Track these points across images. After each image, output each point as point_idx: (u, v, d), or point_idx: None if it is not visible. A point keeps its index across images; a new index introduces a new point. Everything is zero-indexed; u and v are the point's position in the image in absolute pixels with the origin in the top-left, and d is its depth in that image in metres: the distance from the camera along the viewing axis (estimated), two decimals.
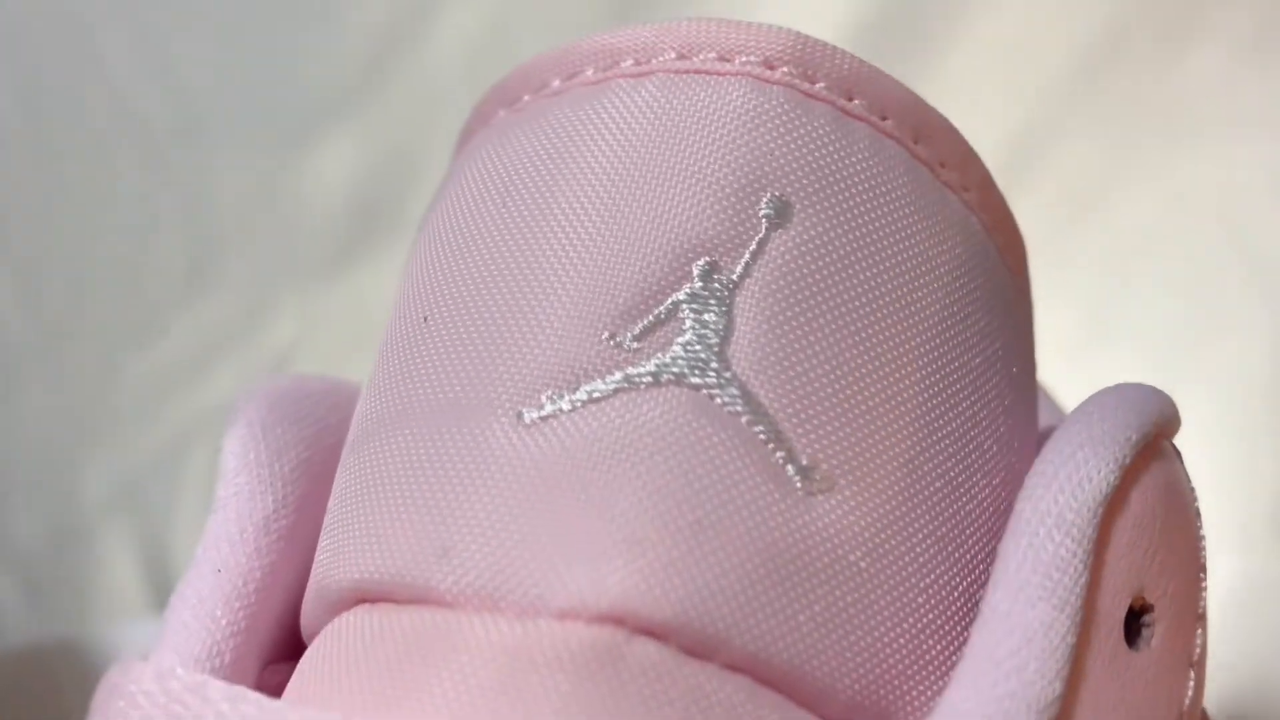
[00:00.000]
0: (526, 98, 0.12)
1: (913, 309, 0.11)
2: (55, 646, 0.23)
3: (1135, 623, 0.11)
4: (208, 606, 0.11)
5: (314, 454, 0.13)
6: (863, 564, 0.10)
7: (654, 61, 0.12)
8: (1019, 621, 0.09)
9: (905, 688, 0.10)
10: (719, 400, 0.10)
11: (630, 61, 0.12)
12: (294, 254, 0.34)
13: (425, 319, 0.12)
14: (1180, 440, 0.12)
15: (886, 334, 0.11)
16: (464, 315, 0.11)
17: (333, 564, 0.11)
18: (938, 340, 0.11)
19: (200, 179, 0.34)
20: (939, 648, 0.10)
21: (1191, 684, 0.11)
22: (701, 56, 0.11)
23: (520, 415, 0.10)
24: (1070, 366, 0.29)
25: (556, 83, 0.12)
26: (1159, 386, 0.12)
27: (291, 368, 0.34)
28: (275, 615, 0.12)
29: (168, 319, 0.33)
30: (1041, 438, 0.12)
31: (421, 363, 0.11)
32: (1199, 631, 0.11)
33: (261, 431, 0.12)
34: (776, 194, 0.11)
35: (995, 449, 0.11)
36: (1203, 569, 0.11)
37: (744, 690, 0.09)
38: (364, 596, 0.10)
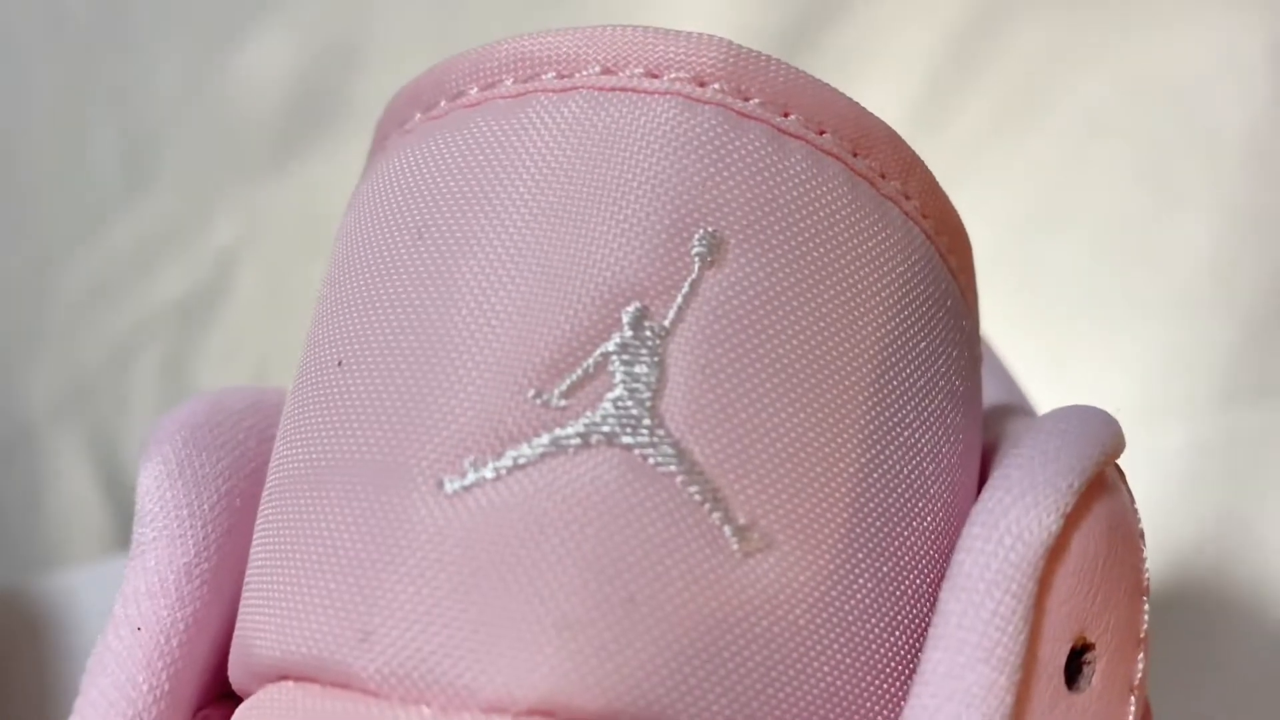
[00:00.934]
0: (443, 103, 0.12)
1: (853, 341, 0.11)
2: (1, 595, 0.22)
3: (1076, 661, 0.11)
4: (128, 672, 0.11)
5: (235, 485, 0.12)
6: (802, 621, 0.10)
7: (577, 76, 0.11)
8: (958, 685, 0.09)
9: None
10: (651, 460, 0.10)
11: (552, 74, 0.11)
12: (233, 149, 0.33)
13: (340, 363, 0.11)
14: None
15: (826, 373, 0.10)
16: (379, 364, 0.11)
17: (255, 634, 0.10)
18: (880, 371, 0.11)
19: (131, 74, 0.33)
20: (880, 706, 0.10)
21: (1133, 709, 0.11)
22: (628, 72, 0.11)
23: (441, 484, 0.10)
24: (1024, 251, 0.29)
25: (474, 91, 0.11)
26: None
27: (236, 267, 0.33)
28: (201, 665, 0.11)
29: (105, 220, 0.33)
30: (990, 418, 0.12)
31: (337, 414, 0.11)
32: (1140, 656, 0.11)
33: (179, 468, 0.12)
34: (709, 229, 0.10)
35: (938, 481, 0.11)
36: (1145, 593, 0.11)
37: None
38: (287, 674, 0.10)
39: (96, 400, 0.32)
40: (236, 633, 0.11)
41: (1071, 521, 0.10)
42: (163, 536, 0.11)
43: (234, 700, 0.11)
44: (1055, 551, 0.10)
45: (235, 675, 0.11)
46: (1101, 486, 0.11)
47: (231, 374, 0.33)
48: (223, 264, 0.33)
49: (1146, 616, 0.11)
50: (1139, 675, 0.11)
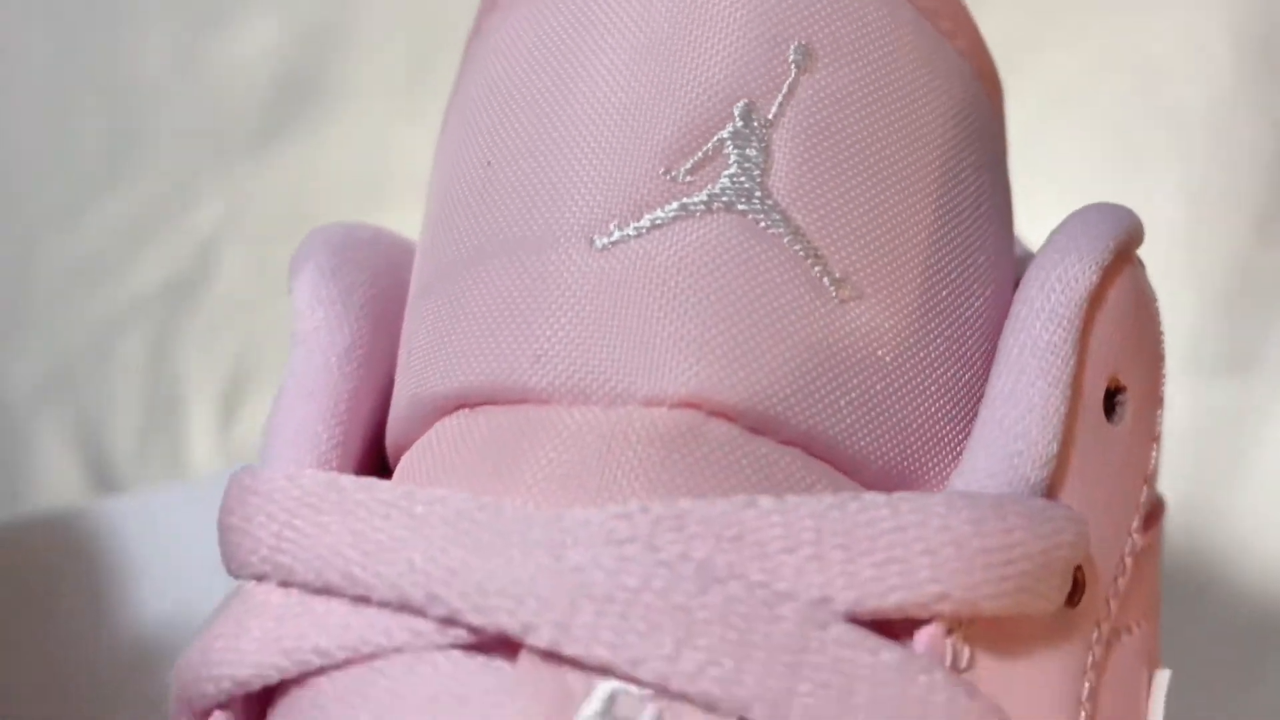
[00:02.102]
0: None
1: (921, 144, 0.13)
2: (38, 522, 0.23)
3: (1112, 401, 0.12)
4: (309, 426, 0.12)
5: (374, 293, 0.14)
6: (888, 359, 0.12)
7: None
8: (1021, 397, 0.11)
9: (926, 460, 0.12)
10: (763, 224, 0.12)
11: None
12: (217, 132, 0.33)
13: (488, 164, 0.13)
14: None
15: (900, 166, 0.12)
16: (526, 158, 0.12)
17: (430, 377, 0.12)
18: (942, 171, 0.13)
19: (115, 59, 0.33)
20: (951, 429, 0.12)
21: (1154, 457, 0.13)
22: None
23: (592, 242, 0.12)
24: None
25: None
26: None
27: (221, 250, 0.33)
28: (360, 434, 0.13)
29: (89, 203, 0.33)
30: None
31: (492, 203, 0.13)
32: (1159, 412, 0.13)
33: (330, 272, 0.14)
34: (802, 42, 0.12)
35: (989, 265, 0.13)
36: (1162, 360, 0.13)
37: (798, 460, 0.11)
38: (464, 402, 0.12)
39: (79, 384, 0.32)
40: (400, 398, 0.13)
41: (1108, 276, 0.12)
42: (323, 326, 0.13)
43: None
44: (1095, 299, 0.12)
45: (400, 431, 0.13)
46: (1130, 258, 0.13)
47: (215, 357, 0.33)
48: (206, 248, 0.33)
49: (1164, 381, 0.13)
50: (1158, 429, 0.13)
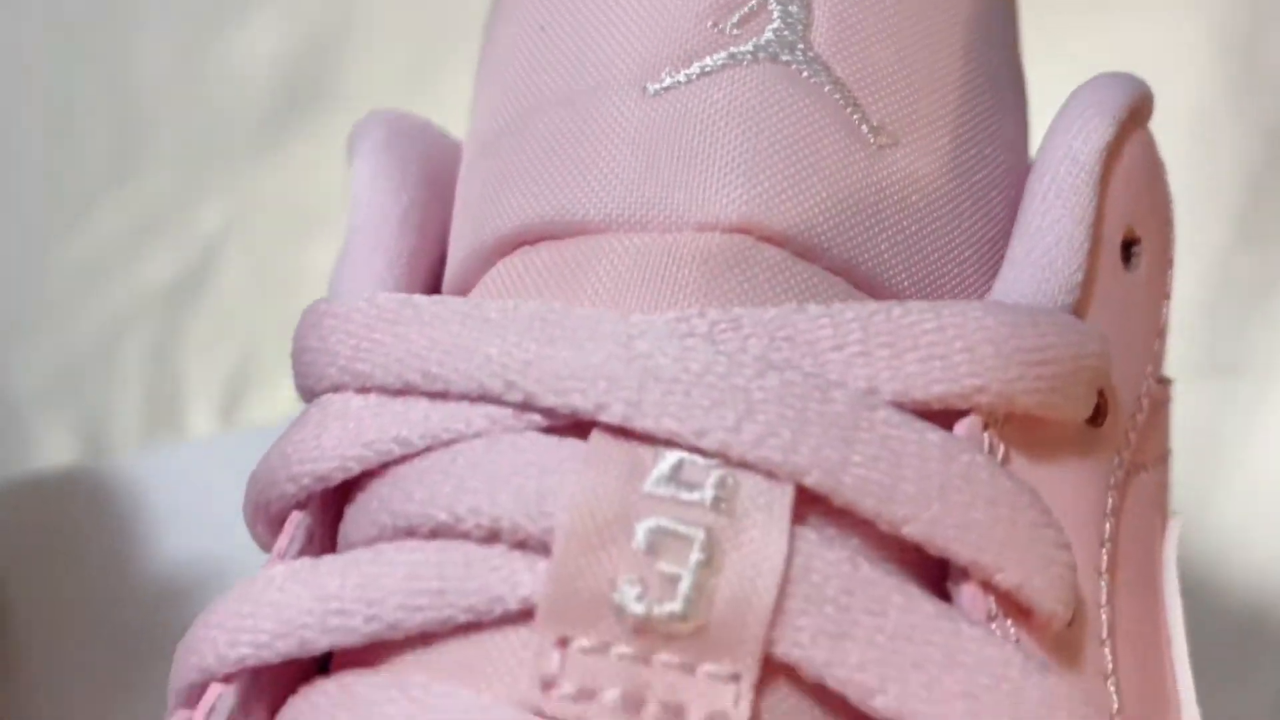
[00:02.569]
0: None
1: (950, 11, 0.13)
2: (64, 475, 0.24)
3: (1128, 251, 0.13)
4: (375, 271, 0.13)
5: (426, 167, 0.15)
6: (921, 205, 0.12)
7: None
8: (1049, 231, 0.12)
9: (957, 296, 0.13)
10: (805, 74, 0.13)
11: None
12: (221, 134, 0.34)
13: (542, 28, 0.13)
14: None
15: (932, 28, 0.13)
16: (580, 17, 0.13)
17: (489, 220, 0.13)
18: (969, 38, 0.14)
19: (122, 59, 0.33)
20: (977, 279, 0.13)
21: (1165, 311, 0.14)
22: None
23: (644, 88, 0.13)
24: None
25: None
26: None
27: (223, 249, 0.33)
28: (421, 292, 0.14)
29: (92, 206, 0.33)
30: None
31: (546, 62, 0.13)
32: (1170, 272, 0.14)
33: (387, 146, 0.15)
34: None
35: (1011, 133, 0.14)
36: (1172, 226, 0.14)
37: (841, 287, 0.12)
38: (524, 239, 0.12)
39: (83, 384, 0.32)
40: (459, 246, 0.13)
41: (1123, 132, 0.13)
42: (382, 188, 0.14)
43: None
44: (1113, 151, 0.13)
45: (460, 276, 0.13)
46: (1142, 119, 0.14)
47: (218, 357, 0.34)
48: (210, 248, 0.33)
49: (1174, 245, 0.14)
50: (1169, 288, 0.14)
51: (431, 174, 0.15)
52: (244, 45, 0.34)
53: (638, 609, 0.09)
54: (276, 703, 0.11)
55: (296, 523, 0.11)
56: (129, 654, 0.19)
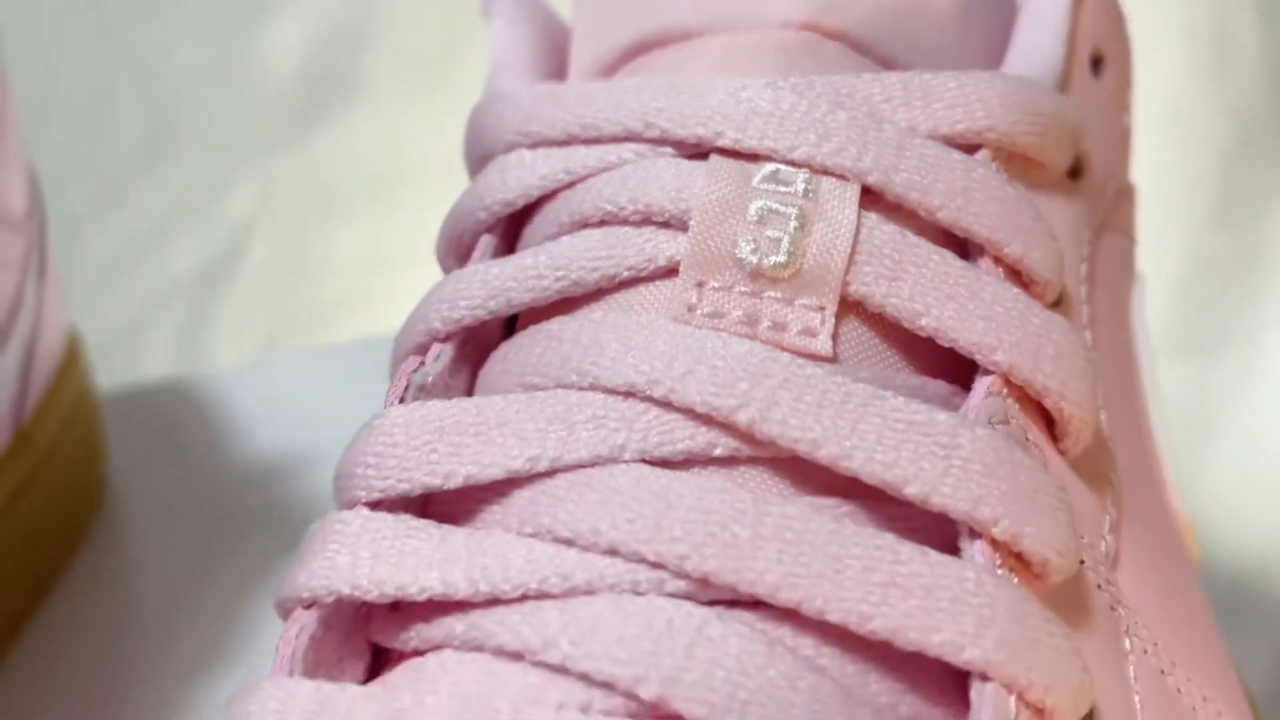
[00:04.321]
0: None
1: None
2: (169, 384, 0.26)
3: (1097, 66, 0.16)
4: (519, 81, 0.16)
5: (549, 27, 0.17)
6: (943, 20, 0.15)
7: None
8: (1039, 49, 0.15)
9: None
10: None
11: None
12: (250, 125, 0.35)
13: None
14: None
15: None
16: None
17: (608, 35, 0.15)
18: None
19: (156, 52, 0.35)
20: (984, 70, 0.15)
21: (1127, 121, 0.17)
22: None
23: None
24: None
25: None
26: None
27: (250, 238, 0.34)
28: None
29: (126, 192, 0.34)
30: None
31: None
32: (1129, 91, 0.17)
33: (517, 3, 0.17)
34: None
35: None
36: (1130, 50, 0.17)
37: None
38: (639, 48, 0.15)
39: (114, 365, 0.33)
40: (578, 69, 0.15)
41: None
42: (521, 34, 0.16)
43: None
44: None
45: (585, 60, 0.15)
46: None
47: (244, 340, 0.35)
48: (238, 234, 0.34)
49: (1132, 67, 0.17)
50: (1129, 103, 0.17)
51: (553, 32, 0.17)
52: (272, 39, 0.35)
53: (752, 260, 0.12)
54: (477, 364, 0.14)
55: (487, 242, 0.14)
56: (217, 534, 0.21)
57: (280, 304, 0.35)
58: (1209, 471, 0.29)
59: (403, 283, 0.28)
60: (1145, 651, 0.13)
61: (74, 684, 0.19)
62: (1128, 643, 0.13)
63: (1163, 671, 0.13)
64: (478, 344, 0.14)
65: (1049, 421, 0.13)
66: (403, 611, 0.12)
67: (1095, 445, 0.14)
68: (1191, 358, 0.30)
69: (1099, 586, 0.13)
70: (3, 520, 0.19)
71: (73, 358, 0.22)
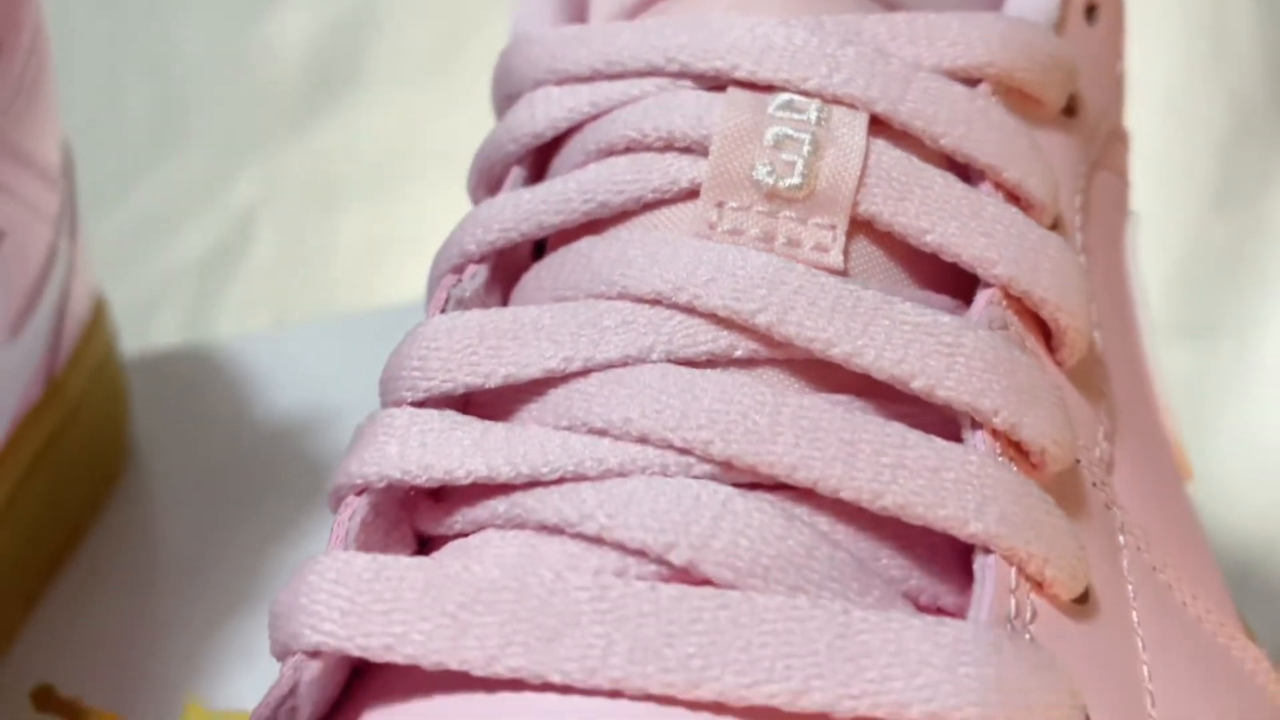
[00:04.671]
0: None
1: None
2: (188, 350, 0.27)
3: (1091, 13, 0.16)
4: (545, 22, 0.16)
5: None
6: None
7: None
8: None
9: None
10: None
11: None
12: (256, 115, 0.35)
13: None
14: None
15: None
16: None
17: None
18: None
19: (163, 41, 0.35)
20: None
21: (1120, 68, 0.17)
22: None
23: None
24: None
25: None
26: None
27: (255, 226, 0.35)
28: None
29: (135, 180, 0.34)
30: None
31: None
32: (1122, 37, 0.17)
33: None
34: None
35: None
36: (1124, 9, 0.17)
37: None
38: None
39: (122, 349, 0.34)
40: (601, 5, 0.16)
41: None
42: None
43: None
44: None
45: None
46: None
47: (250, 326, 0.35)
48: (243, 222, 0.35)
49: (1125, 16, 0.17)
50: (1122, 49, 0.17)
51: None
52: (278, 29, 0.35)
53: (769, 182, 0.13)
54: (508, 287, 0.15)
55: (517, 174, 0.15)
56: (237, 490, 0.22)
57: (285, 290, 0.35)
58: (1207, 454, 0.29)
59: (406, 269, 0.28)
60: (1138, 549, 0.14)
61: (103, 630, 0.20)
62: (1121, 539, 0.14)
63: (1154, 568, 0.14)
64: (508, 269, 0.15)
65: (1046, 334, 0.14)
66: (446, 501, 0.13)
67: (1090, 360, 0.14)
68: (1189, 342, 0.30)
69: (1094, 485, 0.14)
70: (36, 466, 0.20)
71: (99, 318, 0.23)
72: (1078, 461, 0.13)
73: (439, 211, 0.16)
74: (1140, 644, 0.13)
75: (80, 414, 0.21)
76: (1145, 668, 0.13)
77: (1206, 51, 0.32)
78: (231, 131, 0.35)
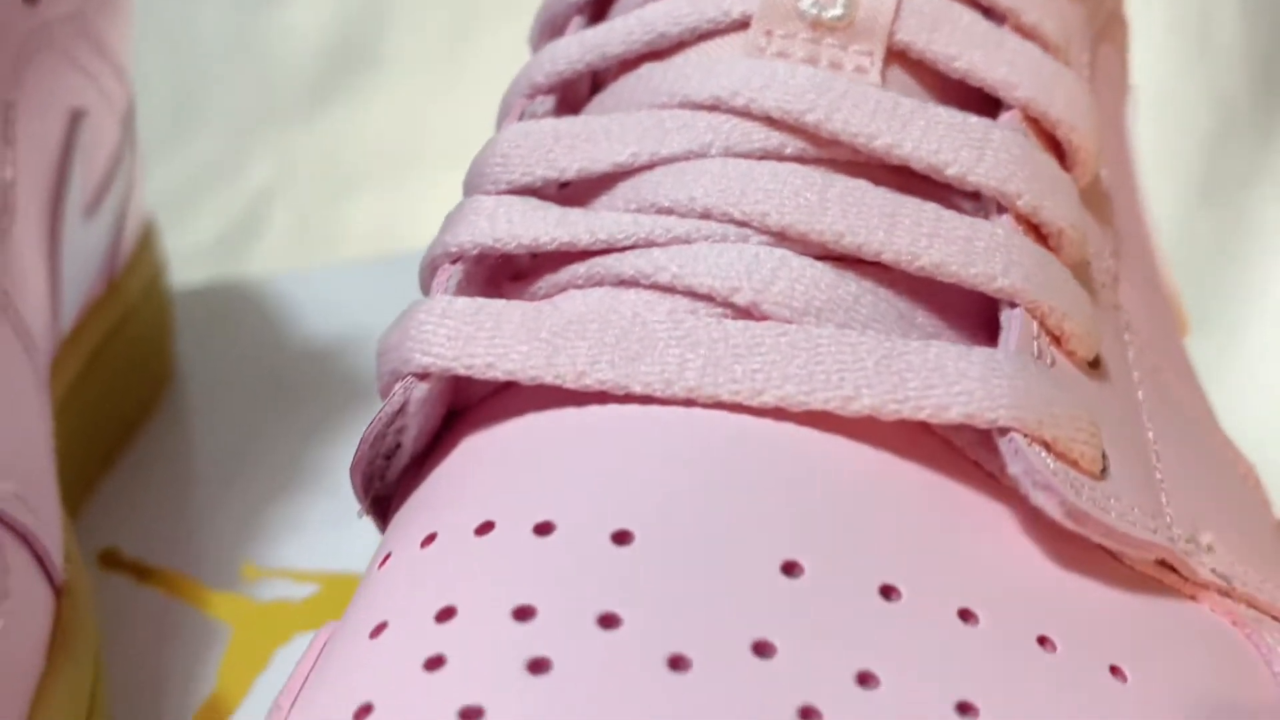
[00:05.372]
0: None
1: None
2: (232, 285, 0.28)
3: None
4: None
5: None
6: None
7: None
8: None
9: None
10: None
11: None
12: (270, 99, 0.36)
13: None
14: None
15: None
16: None
17: None
18: None
19: (179, 26, 0.36)
20: None
21: None
22: None
23: None
24: None
25: None
26: None
27: (270, 207, 0.35)
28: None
29: (151, 164, 0.35)
30: None
31: None
32: None
33: None
34: None
35: None
36: None
37: None
38: None
39: None
40: None
41: None
42: None
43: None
44: None
45: None
46: None
47: None
48: (257, 205, 0.36)
49: None
50: None
51: None
52: (292, 15, 0.36)
53: (813, 13, 0.15)
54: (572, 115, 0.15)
55: (579, 22, 0.16)
56: (272, 408, 0.24)
57: None
58: None
59: (418, 252, 0.29)
60: (1141, 349, 0.15)
61: (158, 509, 0.21)
62: (1127, 336, 0.15)
63: (1156, 367, 0.15)
64: (570, 103, 0.16)
65: (1060, 156, 0.15)
66: (527, 276, 0.14)
67: (1098, 190, 0.16)
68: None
69: (1104, 285, 0.15)
70: (95, 359, 0.21)
71: (150, 240, 0.24)
72: (1089, 264, 0.15)
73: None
74: (1145, 416, 0.15)
75: (134, 320, 0.22)
76: (1150, 433, 0.14)
77: (1192, 50, 0.33)
78: (247, 115, 0.36)
